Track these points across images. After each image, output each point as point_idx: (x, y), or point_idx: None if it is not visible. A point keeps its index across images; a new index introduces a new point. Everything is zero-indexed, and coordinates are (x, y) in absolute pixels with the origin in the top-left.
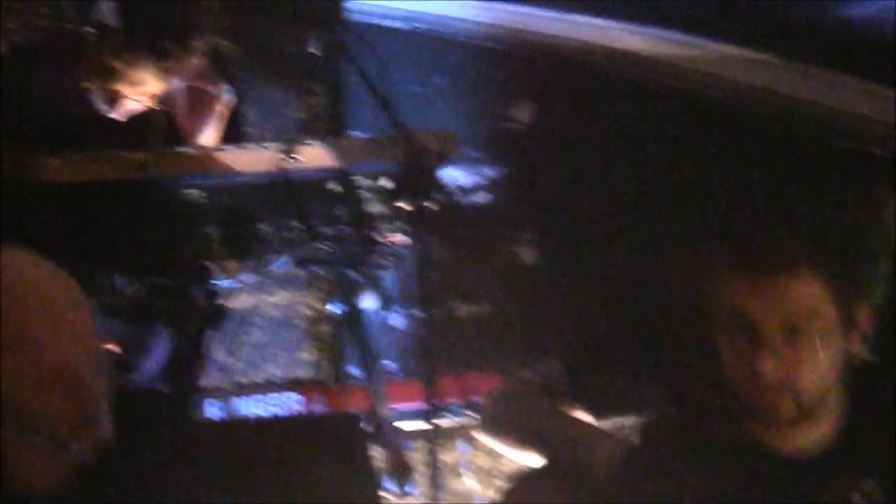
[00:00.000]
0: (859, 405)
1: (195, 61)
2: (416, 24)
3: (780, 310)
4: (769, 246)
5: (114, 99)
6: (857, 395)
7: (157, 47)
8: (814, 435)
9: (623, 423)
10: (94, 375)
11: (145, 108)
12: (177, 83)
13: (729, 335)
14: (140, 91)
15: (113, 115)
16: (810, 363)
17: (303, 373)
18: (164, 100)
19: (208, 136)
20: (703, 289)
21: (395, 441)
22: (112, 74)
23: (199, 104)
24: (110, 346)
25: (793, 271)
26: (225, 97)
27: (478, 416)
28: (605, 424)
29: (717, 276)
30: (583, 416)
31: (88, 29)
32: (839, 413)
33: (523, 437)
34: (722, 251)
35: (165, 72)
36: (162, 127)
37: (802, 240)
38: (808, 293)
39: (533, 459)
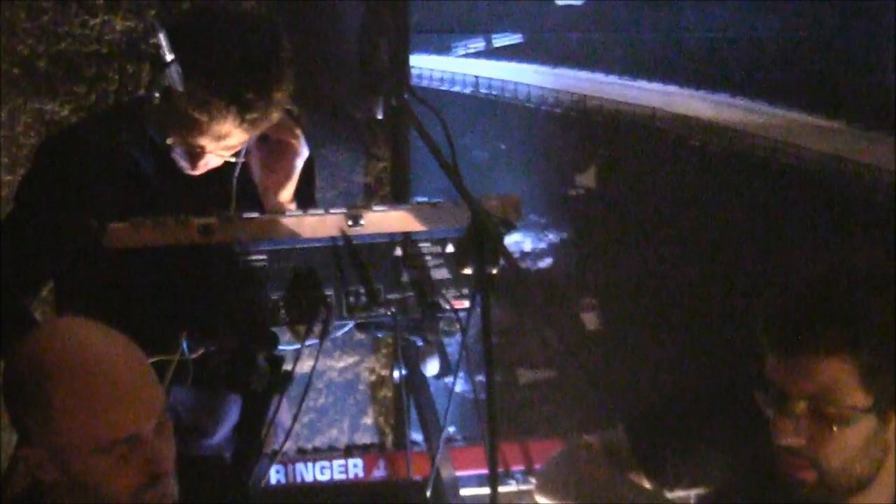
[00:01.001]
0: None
1: (277, 114)
2: (481, 89)
3: (809, 384)
4: (811, 324)
5: (197, 155)
6: None
7: (241, 99)
8: None
9: (687, 494)
10: (159, 442)
11: (224, 163)
12: (258, 136)
13: (781, 416)
14: (223, 146)
15: (191, 172)
16: (836, 446)
17: (365, 438)
18: (245, 153)
19: (288, 190)
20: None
21: None
22: (195, 128)
23: (279, 157)
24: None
25: (830, 352)
26: (304, 151)
27: (540, 479)
28: (669, 494)
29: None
30: (646, 483)
31: (155, 93)
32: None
33: (584, 502)
34: (766, 323)
35: (249, 124)
36: (241, 182)
37: (848, 322)
38: (836, 376)
39: None
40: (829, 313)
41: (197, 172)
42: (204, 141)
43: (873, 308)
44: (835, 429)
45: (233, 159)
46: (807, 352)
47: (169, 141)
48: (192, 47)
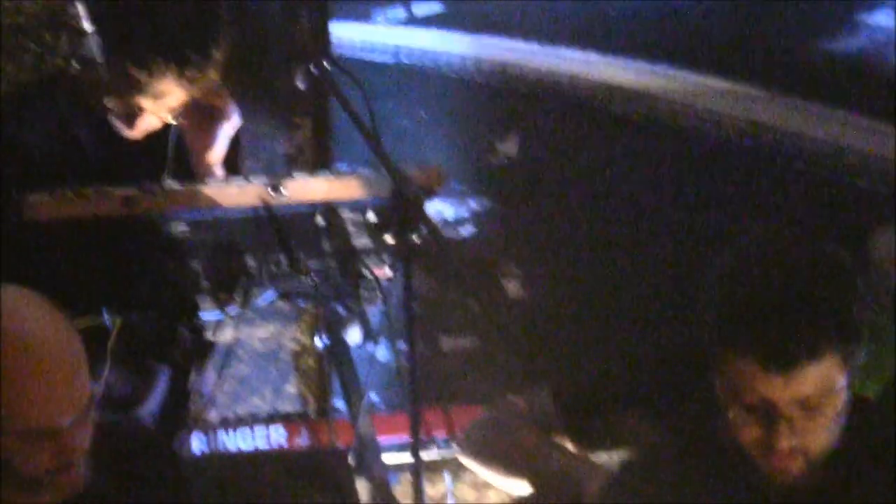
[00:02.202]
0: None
1: (212, 75)
2: (402, 58)
3: (801, 392)
4: (789, 336)
5: (133, 114)
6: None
7: (181, 56)
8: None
9: (612, 457)
10: (79, 429)
11: (160, 126)
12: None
13: (743, 408)
14: (160, 104)
15: (129, 134)
16: (823, 429)
17: (288, 406)
18: (179, 116)
19: (216, 154)
20: (712, 365)
21: (380, 475)
22: (134, 87)
23: (209, 122)
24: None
25: (814, 357)
26: (234, 117)
27: (464, 449)
28: (593, 456)
29: (732, 363)
30: (572, 447)
31: (74, 65)
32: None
33: (510, 465)
34: (736, 342)
35: (188, 82)
36: (175, 145)
37: (820, 319)
38: (828, 373)
39: (519, 489)
40: (812, 315)
41: (135, 135)
42: (142, 100)
43: (844, 290)
44: (822, 415)
45: (171, 121)
46: (800, 362)
47: (107, 103)
48: (133, 5)
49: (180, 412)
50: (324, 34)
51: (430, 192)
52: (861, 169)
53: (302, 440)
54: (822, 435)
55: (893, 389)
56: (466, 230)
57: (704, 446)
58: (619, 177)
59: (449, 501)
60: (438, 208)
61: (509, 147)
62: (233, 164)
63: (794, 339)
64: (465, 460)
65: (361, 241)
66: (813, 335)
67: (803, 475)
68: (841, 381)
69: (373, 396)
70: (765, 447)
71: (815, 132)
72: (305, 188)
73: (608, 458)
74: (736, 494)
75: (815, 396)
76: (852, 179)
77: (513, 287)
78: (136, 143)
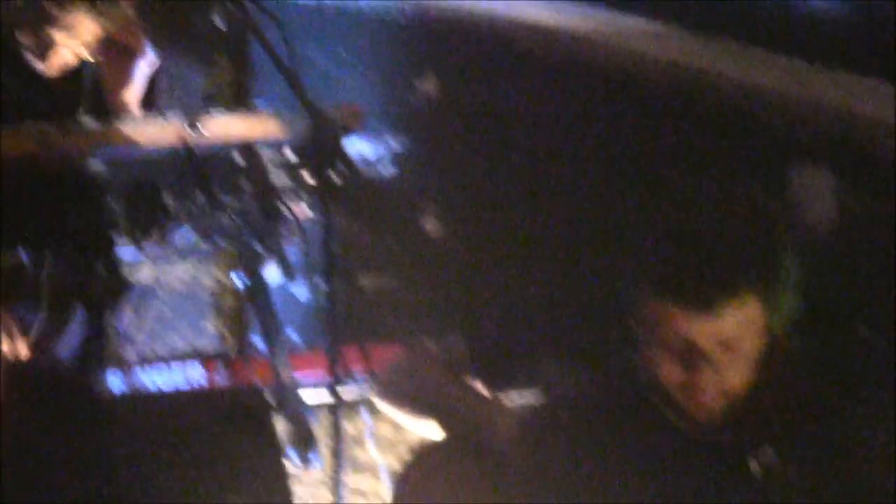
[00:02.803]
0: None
1: (127, 11)
2: None
3: (722, 332)
4: (710, 275)
5: (47, 49)
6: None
7: None
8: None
9: (524, 398)
10: None
11: (76, 62)
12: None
13: (665, 350)
14: (73, 38)
15: (43, 70)
16: (744, 366)
17: (206, 344)
18: (95, 53)
19: (132, 92)
20: (628, 305)
21: (298, 412)
22: (46, 20)
23: (127, 59)
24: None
25: (735, 297)
26: (150, 54)
27: (380, 387)
28: (506, 398)
29: (650, 304)
30: (483, 388)
31: None
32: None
33: (422, 407)
34: (655, 282)
35: (100, 14)
36: (91, 82)
37: (740, 258)
38: (748, 313)
39: (432, 430)
40: (732, 254)
41: (50, 71)
42: (55, 34)
43: (764, 229)
44: (743, 355)
45: (87, 57)
46: (722, 302)
47: (20, 37)
48: None
49: (97, 350)
50: None
51: (347, 131)
52: (780, 109)
53: (220, 378)
54: (742, 374)
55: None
56: (386, 169)
57: (622, 387)
58: (537, 117)
59: (368, 439)
60: (358, 147)
61: (429, 86)
62: (150, 102)
63: (715, 279)
64: (380, 402)
65: (280, 179)
66: (733, 274)
67: (723, 413)
68: (761, 320)
69: (291, 334)
70: (686, 387)
71: (734, 72)
72: (223, 126)
73: (522, 400)
74: (655, 434)
75: (737, 336)
76: (771, 119)
77: (431, 226)
78: (51, 80)
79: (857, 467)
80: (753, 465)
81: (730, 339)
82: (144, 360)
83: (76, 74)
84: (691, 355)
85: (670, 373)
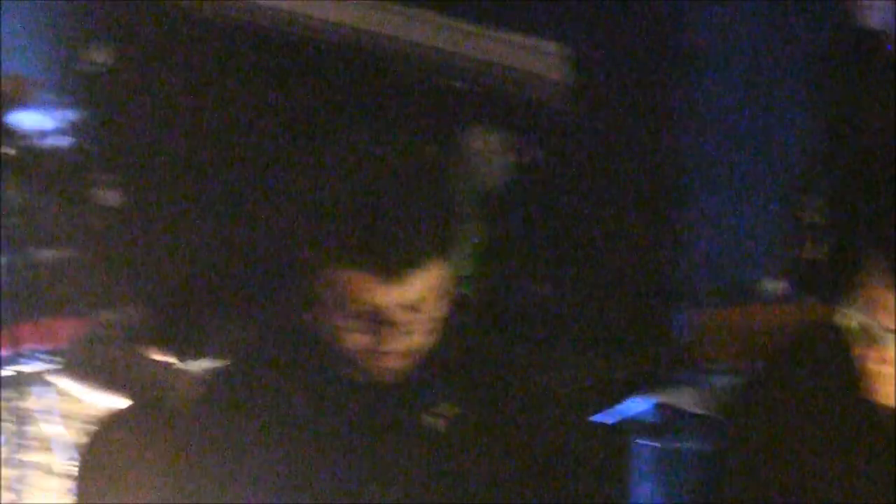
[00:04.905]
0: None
1: None
2: None
3: (407, 297)
4: (388, 243)
5: None
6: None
7: None
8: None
9: (205, 365)
10: None
11: None
12: None
13: (348, 315)
14: None
15: None
16: (428, 327)
17: None
18: None
19: None
20: (309, 271)
21: None
22: None
23: None
24: None
25: (420, 263)
26: None
27: (60, 362)
28: (188, 366)
29: (332, 270)
30: (164, 358)
31: None
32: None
33: (105, 381)
34: (336, 249)
35: None
36: None
37: (423, 223)
38: (433, 276)
39: (116, 402)
40: (415, 219)
41: None
42: None
43: (443, 191)
44: (427, 317)
45: None
46: (407, 269)
47: None
48: None
49: None
50: None
51: (15, 102)
52: (450, 70)
53: None
54: (426, 334)
55: (481, 284)
56: (60, 140)
57: (302, 348)
58: (214, 83)
59: (53, 413)
60: (30, 119)
61: (102, 56)
62: None
63: (397, 245)
64: (61, 377)
65: None
66: (415, 239)
67: (406, 372)
68: (445, 281)
69: None
70: (371, 350)
71: (403, 34)
72: None
73: (201, 365)
74: (333, 393)
75: (421, 299)
76: (445, 81)
77: (108, 196)
78: None
79: (534, 418)
80: (435, 420)
81: (415, 302)
82: None
83: None
84: (376, 320)
85: (354, 336)
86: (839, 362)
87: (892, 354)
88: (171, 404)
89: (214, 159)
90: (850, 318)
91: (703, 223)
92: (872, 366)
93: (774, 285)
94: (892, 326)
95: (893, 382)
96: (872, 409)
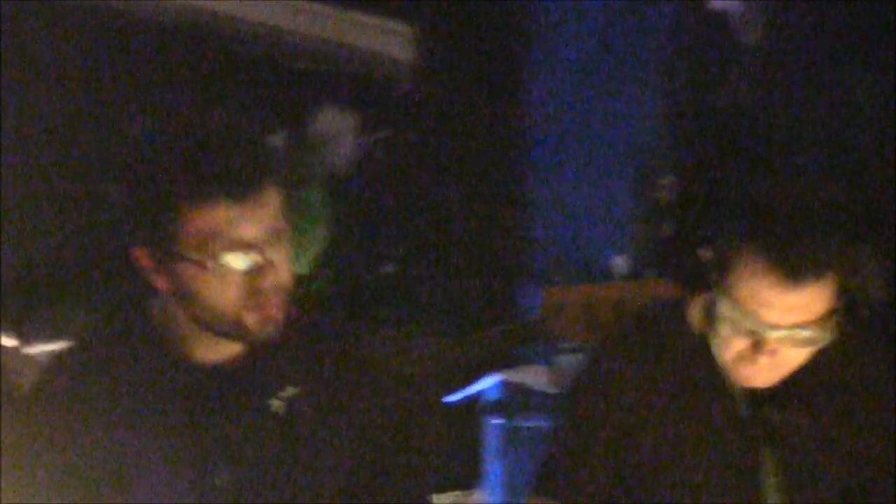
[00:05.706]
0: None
1: None
2: None
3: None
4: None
5: None
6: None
7: None
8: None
9: (50, 348)
10: None
11: None
12: None
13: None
14: None
15: None
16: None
17: None
18: None
19: None
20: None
21: None
22: None
23: None
24: None
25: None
26: None
27: None
28: (30, 349)
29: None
30: (8, 341)
31: None
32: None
33: None
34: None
35: None
36: None
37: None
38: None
39: None
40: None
41: None
42: None
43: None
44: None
45: None
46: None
47: None
48: None
49: None
50: None
51: None
52: (301, 51)
53: None
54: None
55: (325, 265)
56: None
57: (140, 332)
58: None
59: None
60: None
61: None
62: None
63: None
64: None
65: None
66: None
67: (251, 355)
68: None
69: None
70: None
71: (254, 16)
72: None
73: (46, 348)
74: (167, 374)
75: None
76: (292, 61)
77: None
78: None
79: (383, 398)
80: (276, 403)
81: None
82: None
83: None
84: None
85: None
86: (682, 339)
87: (730, 333)
88: (12, 388)
89: (56, 144)
90: (696, 295)
91: (552, 203)
92: (713, 343)
93: (624, 263)
94: (732, 305)
95: (732, 360)
96: (713, 386)
